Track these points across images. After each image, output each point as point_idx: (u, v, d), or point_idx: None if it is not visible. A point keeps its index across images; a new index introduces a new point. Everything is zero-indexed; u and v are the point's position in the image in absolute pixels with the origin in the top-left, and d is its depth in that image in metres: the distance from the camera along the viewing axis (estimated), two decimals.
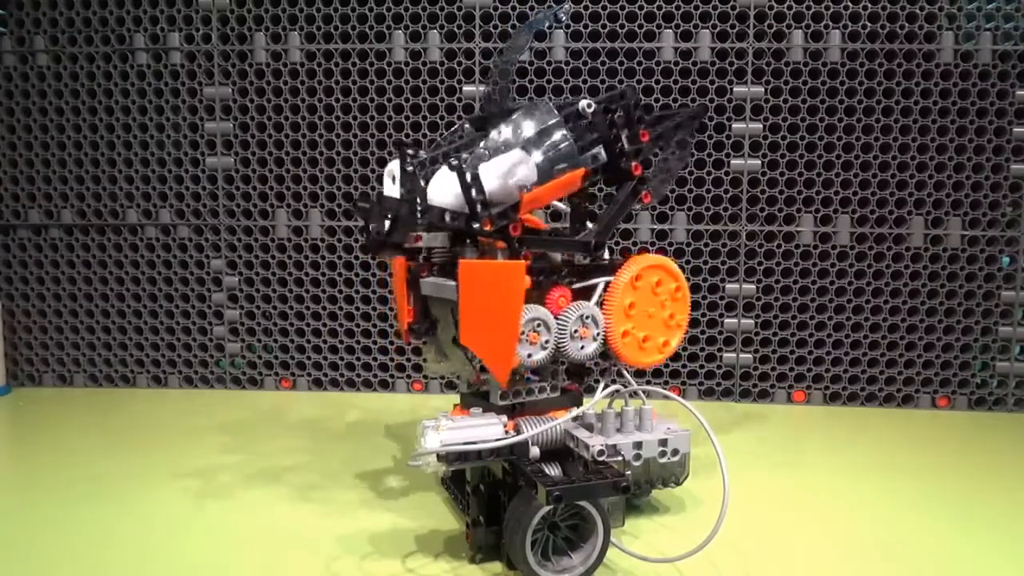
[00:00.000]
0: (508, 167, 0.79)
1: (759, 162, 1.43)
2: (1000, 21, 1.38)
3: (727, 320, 1.47)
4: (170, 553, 0.81)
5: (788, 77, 1.42)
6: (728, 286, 1.46)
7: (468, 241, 0.82)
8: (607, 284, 0.83)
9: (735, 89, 1.42)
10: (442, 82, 1.46)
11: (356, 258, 1.51)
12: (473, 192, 0.76)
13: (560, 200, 0.93)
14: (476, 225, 0.76)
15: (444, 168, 0.81)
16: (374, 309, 1.51)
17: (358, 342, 1.52)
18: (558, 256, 0.87)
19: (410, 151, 0.77)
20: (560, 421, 0.79)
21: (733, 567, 0.79)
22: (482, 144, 0.84)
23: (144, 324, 1.55)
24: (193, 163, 1.51)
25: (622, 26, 1.42)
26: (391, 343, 1.51)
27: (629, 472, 0.84)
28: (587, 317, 0.80)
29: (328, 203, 1.50)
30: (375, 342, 1.51)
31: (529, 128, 0.83)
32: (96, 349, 1.56)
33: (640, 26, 1.42)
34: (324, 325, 1.52)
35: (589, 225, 0.89)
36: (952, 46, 1.38)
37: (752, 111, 1.43)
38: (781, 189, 1.44)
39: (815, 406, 1.46)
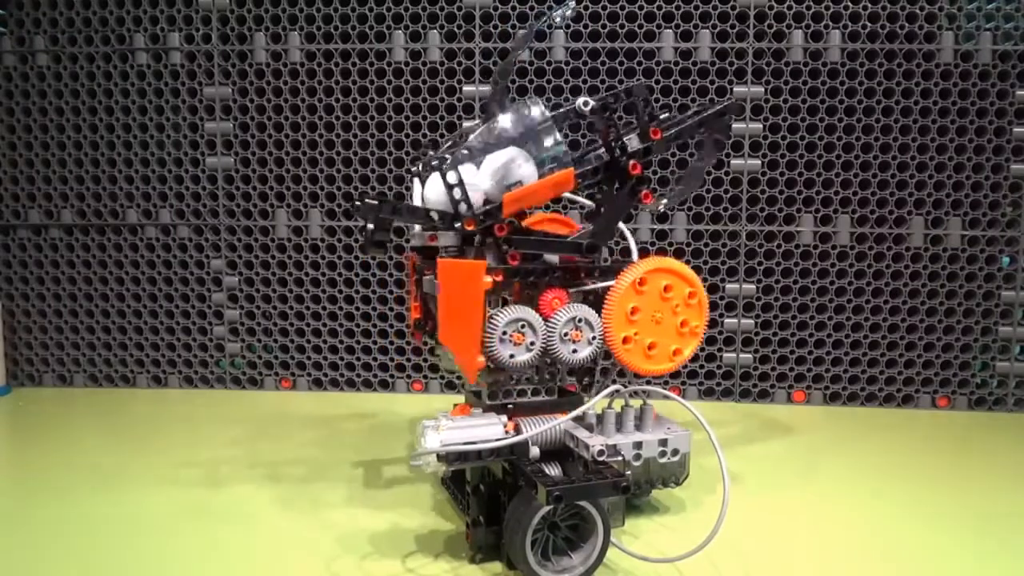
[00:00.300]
0: (504, 165, 0.79)
1: (759, 162, 1.43)
2: (1000, 21, 1.38)
3: (727, 320, 1.47)
4: (170, 553, 0.81)
5: (788, 77, 1.42)
6: (728, 286, 1.46)
7: (475, 241, 0.82)
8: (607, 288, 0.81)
9: (735, 89, 1.42)
10: (442, 82, 1.46)
11: (356, 258, 1.51)
12: (455, 192, 0.77)
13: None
14: (458, 225, 0.77)
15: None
16: (374, 309, 1.51)
17: (358, 342, 1.52)
18: (555, 258, 0.87)
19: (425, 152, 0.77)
20: (560, 421, 0.79)
21: (733, 567, 0.78)
22: (467, 143, 0.84)
23: (144, 324, 1.55)
24: (193, 163, 1.51)
25: (622, 26, 1.42)
26: (391, 343, 1.51)
27: (629, 472, 0.84)
28: (579, 320, 0.79)
29: (328, 203, 1.50)
30: (375, 342, 1.51)
31: (517, 127, 0.83)
32: (96, 349, 1.56)
33: (640, 26, 1.42)
34: (324, 325, 1.52)
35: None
36: (952, 46, 1.38)
37: (752, 111, 1.43)
38: (781, 189, 1.44)
39: (815, 406, 1.46)
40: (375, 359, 1.52)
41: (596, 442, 0.75)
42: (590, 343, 0.79)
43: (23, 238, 1.54)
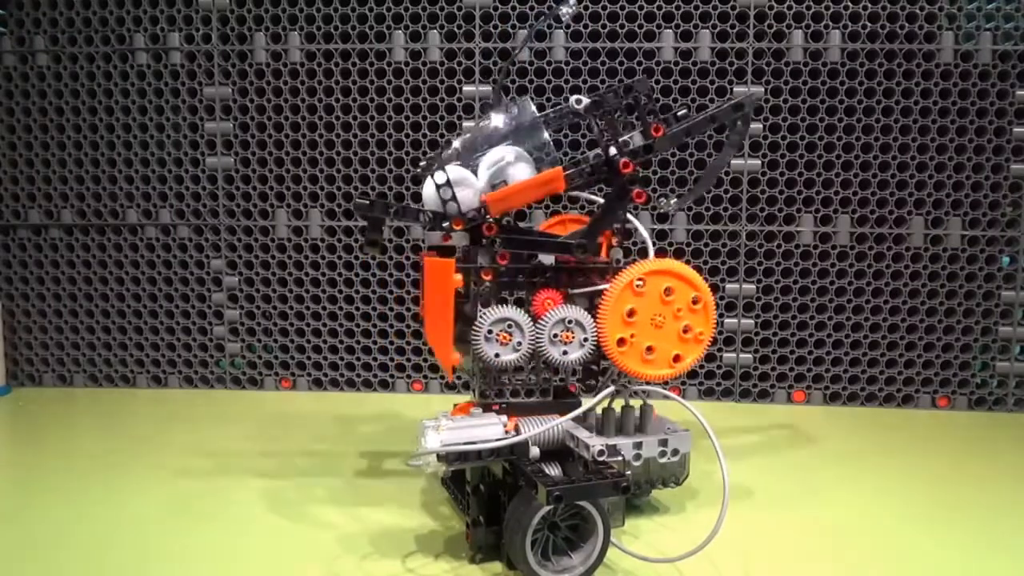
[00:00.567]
0: (498, 164, 0.80)
1: (759, 162, 1.43)
2: (1000, 21, 1.38)
3: (727, 320, 1.47)
4: (170, 553, 0.81)
5: (788, 77, 1.42)
6: (728, 286, 1.46)
7: (482, 241, 0.82)
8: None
9: (735, 89, 1.42)
10: (442, 82, 1.46)
11: (356, 258, 1.51)
12: (442, 192, 0.77)
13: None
14: (445, 225, 0.78)
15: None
16: (374, 309, 1.51)
17: (358, 342, 1.52)
18: (550, 258, 0.86)
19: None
20: (560, 421, 0.79)
21: (733, 567, 0.78)
22: (455, 143, 0.84)
23: (144, 324, 1.55)
24: (193, 163, 1.51)
25: (622, 26, 1.42)
26: (391, 343, 1.51)
27: (629, 472, 0.84)
28: (570, 322, 0.78)
29: (328, 203, 1.50)
30: (375, 342, 1.51)
31: (503, 127, 0.83)
32: (96, 349, 1.56)
33: (640, 26, 1.42)
34: (324, 325, 1.52)
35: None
36: (952, 46, 1.38)
37: (752, 111, 1.42)
38: (781, 189, 1.44)
39: (815, 406, 1.46)
40: (375, 359, 1.52)
41: (596, 442, 0.75)
42: (582, 345, 0.79)
43: (23, 238, 1.54)
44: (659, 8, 1.42)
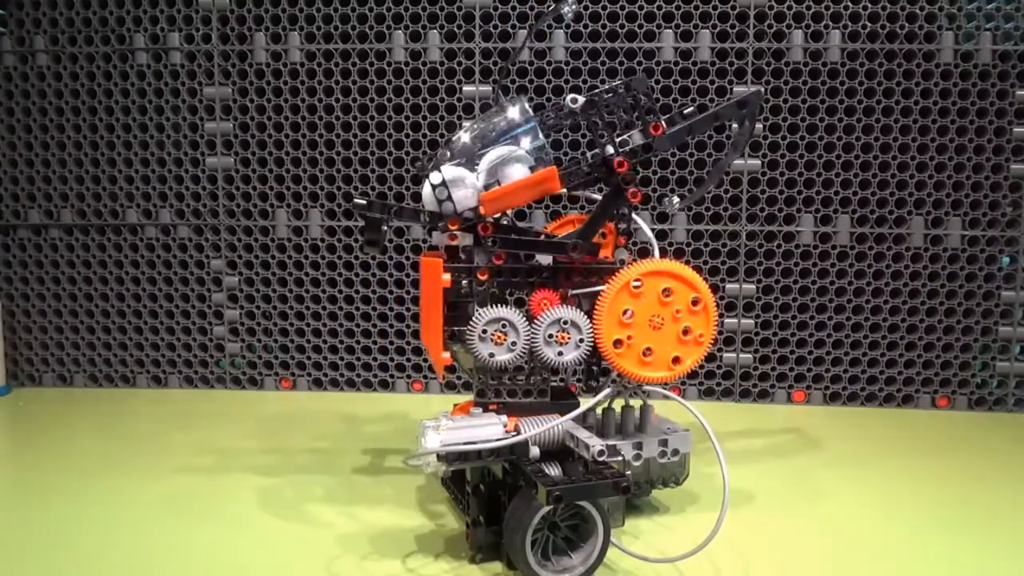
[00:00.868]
0: (495, 164, 0.80)
1: (759, 162, 1.43)
2: (1000, 21, 1.38)
3: (727, 320, 1.47)
4: (170, 552, 0.81)
5: (788, 77, 1.42)
6: (728, 286, 1.46)
7: (482, 241, 0.82)
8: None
9: (735, 89, 1.42)
10: (442, 82, 1.46)
11: (356, 258, 1.51)
12: (438, 192, 0.77)
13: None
14: (441, 224, 0.78)
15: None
16: (374, 309, 1.51)
17: (358, 342, 1.52)
18: (547, 258, 0.86)
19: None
20: (560, 421, 0.79)
21: (733, 567, 0.78)
22: (451, 142, 0.84)
23: (144, 324, 1.55)
24: (193, 163, 1.51)
25: (622, 26, 1.42)
26: (391, 343, 1.51)
27: (629, 472, 0.84)
28: (566, 322, 0.78)
29: (328, 203, 1.50)
30: (375, 342, 1.51)
31: (497, 127, 0.83)
32: (96, 349, 1.56)
33: (640, 26, 1.42)
34: (324, 325, 1.52)
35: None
36: (952, 46, 1.38)
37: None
38: (781, 189, 1.44)
39: (815, 406, 1.46)
40: (375, 359, 1.52)
41: (596, 442, 0.75)
42: (577, 346, 0.79)
43: (23, 238, 1.54)
44: (659, 8, 1.42)
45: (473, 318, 0.78)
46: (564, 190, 0.84)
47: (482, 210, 0.79)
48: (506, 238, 0.81)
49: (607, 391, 0.84)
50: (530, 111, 0.83)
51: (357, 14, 1.45)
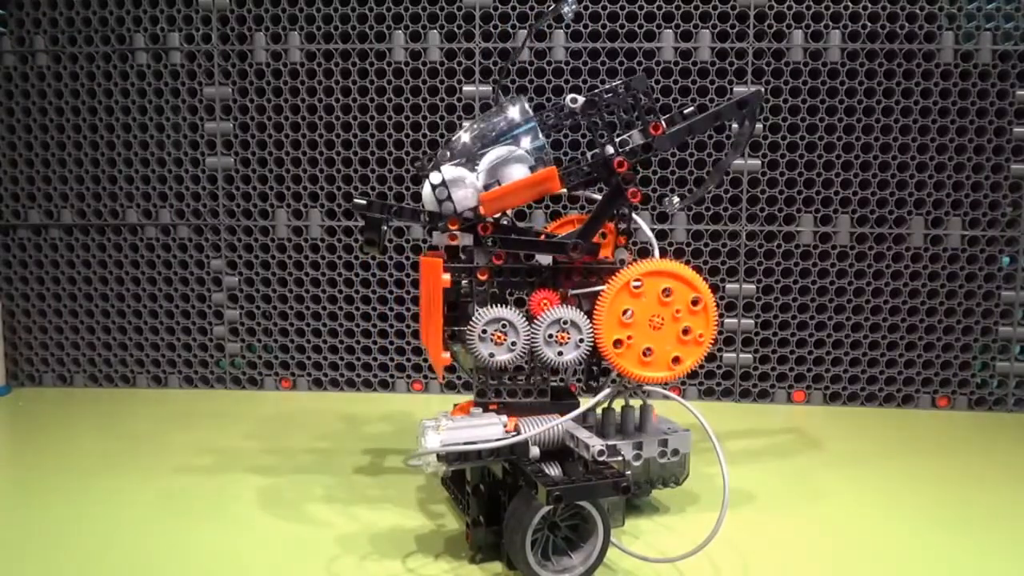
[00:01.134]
0: (495, 164, 0.80)
1: (759, 162, 1.43)
2: (1000, 21, 1.38)
3: (727, 320, 1.47)
4: (170, 552, 0.81)
5: (788, 77, 1.42)
6: (728, 286, 1.46)
7: (483, 241, 0.82)
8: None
9: (735, 89, 1.42)
10: (442, 82, 1.46)
11: (356, 258, 1.51)
12: (438, 192, 0.77)
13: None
14: (441, 224, 0.78)
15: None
16: (374, 309, 1.51)
17: (358, 342, 1.52)
18: (547, 258, 0.86)
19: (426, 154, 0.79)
20: (560, 421, 0.79)
21: (733, 567, 0.78)
22: (451, 142, 0.84)
23: (144, 324, 1.55)
24: (193, 163, 1.51)
25: (622, 26, 1.42)
26: (391, 343, 1.51)
27: (629, 472, 0.84)
28: (566, 322, 0.78)
29: (328, 203, 1.50)
30: (375, 342, 1.51)
31: (497, 127, 0.83)
32: (96, 349, 1.56)
33: (640, 26, 1.42)
34: (324, 325, 1.52)
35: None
36: (952, 46, 1.38)
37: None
38: (781, 189, 1.44)
39: (815, 406, 1.46)
40: (375, 359, 1.52)
41: (596, 442, 0.75)
42: (577, 346, 0.79)
43: (23, 238, 1.54)
44: (659, 8, 1.42)
45: (473, 318, 0.78)
46: (564, 190, 0.84)
47: (482, 210, 0.79)
48: (506, 238, 0.81)
49: (607, 391, 0.84)
50: (530, 111, 0.83)
51: (357, 14, 1.45)
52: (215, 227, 1.52)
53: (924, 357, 1.44)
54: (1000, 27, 1.38)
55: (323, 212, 1.50)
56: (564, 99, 0.82)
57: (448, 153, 0.83)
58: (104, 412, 1.39)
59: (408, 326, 1.51)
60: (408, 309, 1.50)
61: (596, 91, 0.84)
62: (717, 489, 0.99)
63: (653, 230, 1.45)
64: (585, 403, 0.81)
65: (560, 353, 0.78)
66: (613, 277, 0.78)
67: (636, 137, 0.84)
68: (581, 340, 0.79)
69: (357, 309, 1.51)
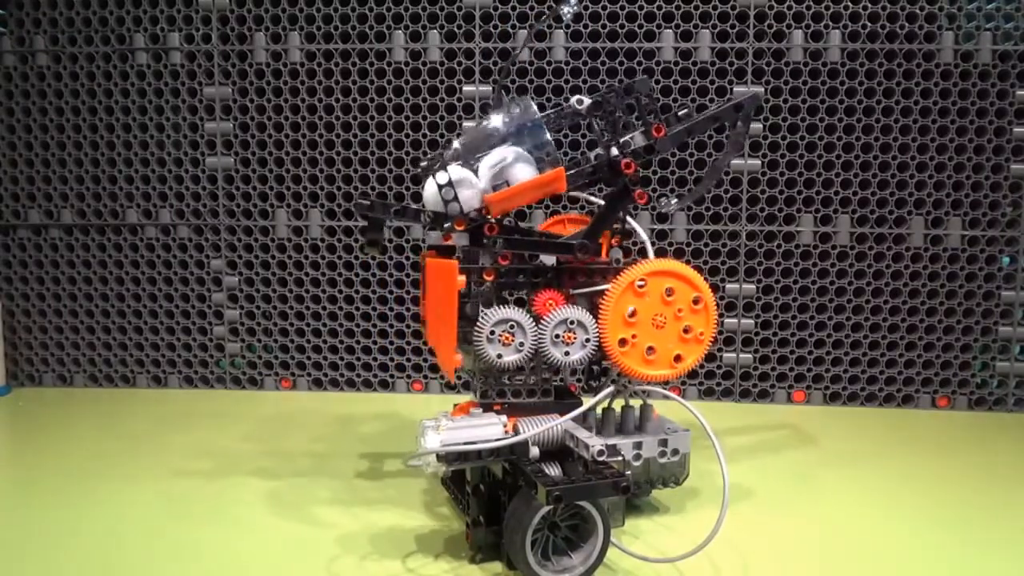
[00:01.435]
0: (499, 165, 0.80)
1: (759, 162, 1.43)
2: (1000, 21, 1.38)
3: (727, 320, 1.47)
4: (170, 552, 0.81)
5: (788, 77, 1.42)
6: (728, 286, 1.46)
7: (483, 241, 0.81)
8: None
9: (735, 89, 1.42)
10: (442, 82, 1.46)
11: (356, 258, 1.51)
12: (444, 193, 0.77)
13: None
14: (447, 225, 0.78)
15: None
16: (374, 309, 1.51)
17: (358, 342, 1.52)
18: (551, 259, 0.86)
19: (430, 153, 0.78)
20: (560, 421, 0.79)
21: (733, 567, 0.78)
22: (457, 143, 0.84)
23: (144, 324, 1.55)
24: (193, 163, 1.51)
25: (622, 26, 1.42)
26: (391, 343, 1.51)
27: (629, 472, 0.84)
28: (572, 322, 0.78)
29: (328, 203, 1.50)
30: (375, 342, 1.51)
31: (504, 126, 0.83)
32: (96, 349, 1.56)
33: (640, 26, 1.42)
34: (324, 325, 1.52)
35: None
36: (952, 46, 1.38)
37: (753, 111, 1.42)
38: (781, 189, 1.44)
39: (815, 406, 1.46)
40: (375, 359, 1.52)
41: (596, 442, 0.75)
42: (584, 345, 0.79)
43: (23, 238, 1.54)
44: (659, 8, 1.42)
45: (480, 319, 0.77)
46: (564, 191, 0.84)
47: (491, 211, 0.79)
48: (513, 238, 0.81)
49: (607, 391, 0.84)
50: (537, 111, 0.83)
51: (357, 14, 1.45)
52: (215, 227, 1.52)
53: (924, 357, 1.44)
54: (1000, 27, 1.38)
55: (323, 212, 1.50)
56: (571, 100, 0.82)
57: (454, 153, 0.83)
58: (104, 412, 1.39)
59: (408, 326, 1.51)
60: (408, 309, 1.50)
61: (601, 92, 0.84)
62: (717, 489, 0.99)
63: (652, 230, 1.46)
64: (586, 403, 0.81)
65: (567, 353, 0.79)
66: (618, 277, 0.78)
67: (638, 139, 0.84)
68: (587, 340, 0.79)
69: (357, 309, 1.51)
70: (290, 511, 0.92)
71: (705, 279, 0.81)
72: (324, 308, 1.52)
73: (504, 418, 0.78)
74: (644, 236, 0.87)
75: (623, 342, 0.78)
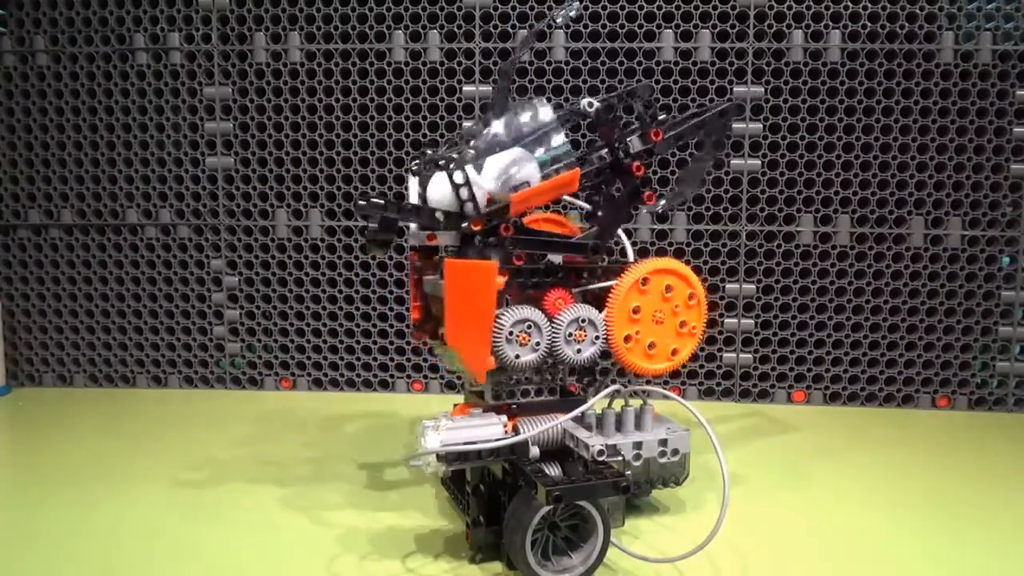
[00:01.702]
0: (508, 166, 0.79)
1: (759, 162, 1.43)
2: (1000, 21, 1.38)
3: (727, 320, 1.47)
4: (170, 553, 0.81)
5: (788, 77, 1.42)
6: (728, 286, 1.46)
7: (477, 241, 0.81)
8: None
9: (735, 89, 1.42)
10: (442, 82, 1.46)
11: (356, 258, 1.51)
12: (462, 192, 0.77)
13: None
14: (464, 225, 0.77)
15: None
16: (374, 309, 1.51)
17: (358, 342, 1.52)
18: (558, 258, 0.87)
19: (423, 152, 0.77)
20: (560, 421, 0.79)
21: (733, 567, 0.78)
22: (471, 143, 0.84)
23: (144, 324, 1.55)
24: (193, 163, 1.51)
25: (622, 26, 1.42)
26: (391, 343, 1.51)
27: (629, 472, 0.84)
28: (583, 320, 0.79)
29: (328, 203, 1.50)
30: (375, 342, 1.51)
31: (522, 127, 0.83)
32: (96, 349, 1.56)
33: (640, 26, 1.42)
34: (324, 325, 1.52)
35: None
36: (952, 46, 1.38)
37: (752, 111, 1.43)
38: (781, 189, 1.44)
39: (815, 406, 1.46)
40: (375, 359, 1.52)
41: (596, 442, 0.75)
42: (593, 343, 0.80)
43: (23, 238, 1.54)
44: (659, 8, 1.42)
45: (498, 320, 0.77)
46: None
47: (511, 211, 0.79)
48: (528, 239, 0.81)
49: (607, 390, 0.84)
50: (553, 114, 0.83)
51: (357, 14, 1.45)
52: (215, 227, 1.52)
53: (924, 357, 1.44)
54: (1000, 27, 1.38)
55: (323, 212, 1.50)
56: (580, 102, 0.82)
57: (472, 152, 0.82)
58: (104, 412, 1.39)
59: (408, 326, 1.51)
60: (408, 309, 1.50)
61: (610, 96, 0.85)
62: (717, 489, 0.99)
63: (653, 230, 1.46)
64: (586, 403, 0.81)
65: (579, 351, 0.79)
66: (623, 275, 0.80)
67: (635, 143, 0.85)
68: (596, 337, 0.80)
69: (357, 309, 1.51)
70: (290, 511, 0.92)
71: (704, 279, 0.83)
72: (324, 308, 1.52)
73: (504, 418, 0.78)
74: (624, 239, 0.88)
75: (628, 339, 0.80)
